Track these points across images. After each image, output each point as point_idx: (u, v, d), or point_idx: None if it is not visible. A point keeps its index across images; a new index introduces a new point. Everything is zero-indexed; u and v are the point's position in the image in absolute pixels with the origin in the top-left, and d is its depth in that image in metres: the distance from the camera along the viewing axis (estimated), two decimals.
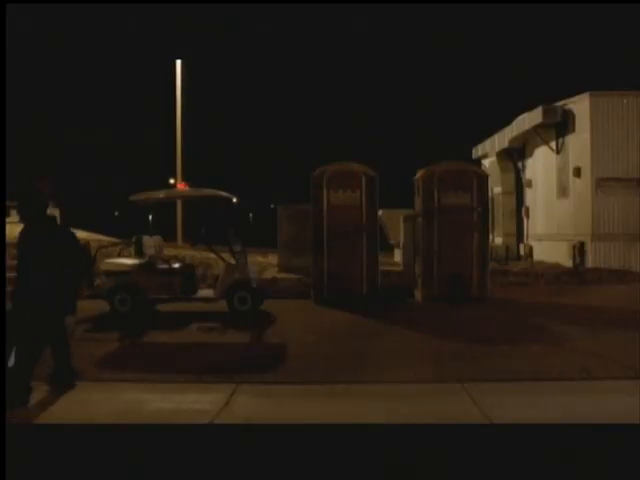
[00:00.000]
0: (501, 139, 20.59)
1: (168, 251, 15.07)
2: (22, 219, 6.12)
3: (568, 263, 16.17)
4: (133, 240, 10.93)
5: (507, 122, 19.83)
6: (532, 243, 19.50)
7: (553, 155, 18.05)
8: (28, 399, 5.70)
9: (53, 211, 23.70)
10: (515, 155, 20.87)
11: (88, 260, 6.39)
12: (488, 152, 21.86)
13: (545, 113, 17.06)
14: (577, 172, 16.50)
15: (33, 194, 6.10)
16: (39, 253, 5.88)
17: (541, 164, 19.14)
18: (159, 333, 9.05)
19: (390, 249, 18.51)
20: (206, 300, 10.66)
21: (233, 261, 10.63)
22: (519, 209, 20.56)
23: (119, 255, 11.40)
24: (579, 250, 16.05)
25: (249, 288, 10.49)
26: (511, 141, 19.78)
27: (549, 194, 18.45)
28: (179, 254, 15.45)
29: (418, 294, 11.82)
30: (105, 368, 7.19)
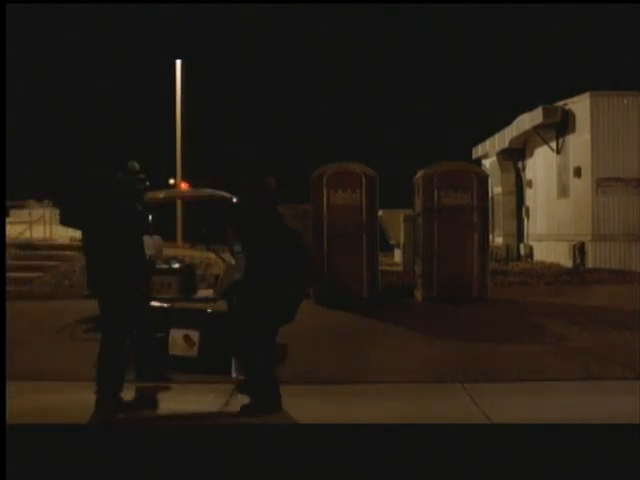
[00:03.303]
0: (501, 139, 20.57)
1: (168, 251, 15.07)
2: (251, 218, 5.78)
3: (568, 263, 16.15)
4: None
5: (507, 122, 19.83)
6: (532, 243, 19.49)
7: (553, 155, 18.04)
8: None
9: (54, 211, 23.54)
10: (515, 155, 20.85)
11: (309, 264, 6.02)
12: (488, 152, 21.85)
13: (545, 113, 17.03)
14: (577, 172, 16.48)
15: (263, 192, 5.85)
16: (270, 254, 5.54)
17: (541, 164, 19.13)
18: None
19: (390, 249, 18.51)
20: (206, 300, 10.65)
21: (233, 261, 10.62)
22: (519, 209, 20.55)
23: None
24: (579, 250, 16.03)
25: None
26: (511, 141, 19.75)
27: (549, 194, 18.44)
28: (179, 254, 15.45)
29: (418, 294, 11.81)
30: None
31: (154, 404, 5.97)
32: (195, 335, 5.86)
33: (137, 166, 6.10)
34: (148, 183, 6.19)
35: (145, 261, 6.10)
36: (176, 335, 5.88)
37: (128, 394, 5.88)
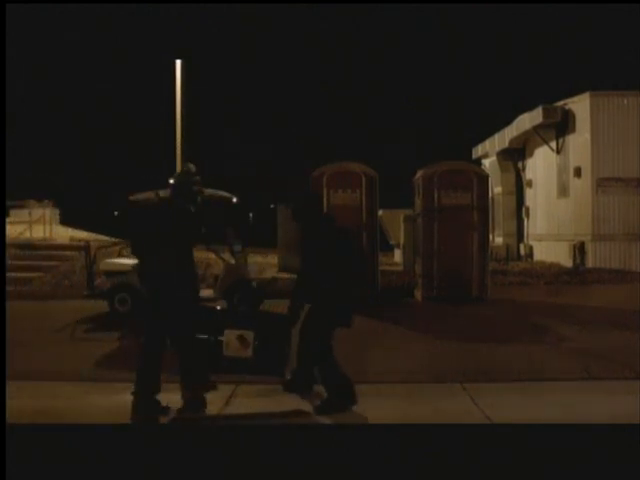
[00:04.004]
0: (501, 139, 20.58)
1: None
2: (300, 222, 5.90)
3: (568, 263, 16.16)
4: None
5: (507, 122, 19.84)
6: (532, 243, 19.49)
7: (553, 155, 18.05)
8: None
9: (54, 211, 23.52)
10: (515, 155, 20.86)
11: (363, 263, 6.18)
12: (488, 152, 21.86)
13: (545, 113, 17.04)
14: (577, 172, 16.49)
15: (306, 197, 5.99)
16: (321, 255, 5.67)
17: (541, 164, 19.14)
18: None
19: (390, 249, 18.51)
20: (206, 300, 10.64)
21: (233, 261, 10.63)
22: (519, 209, 20.56)
23: (119, 255, 11.40)
24: (579, 250, 16.04)
25: (249, 288, 10.49)
26: (511, 141, 19.76)
27: (549, 194, 18.45)
28: None
29: (418, 294, 11.82)
30: (105, 368, 7.19)
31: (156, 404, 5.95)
32: (250, 335, 5.77)
33: (193, 168, 6.00)
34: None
35: (194, 263, 6.04)
36: (230, 336, 5.78)
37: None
